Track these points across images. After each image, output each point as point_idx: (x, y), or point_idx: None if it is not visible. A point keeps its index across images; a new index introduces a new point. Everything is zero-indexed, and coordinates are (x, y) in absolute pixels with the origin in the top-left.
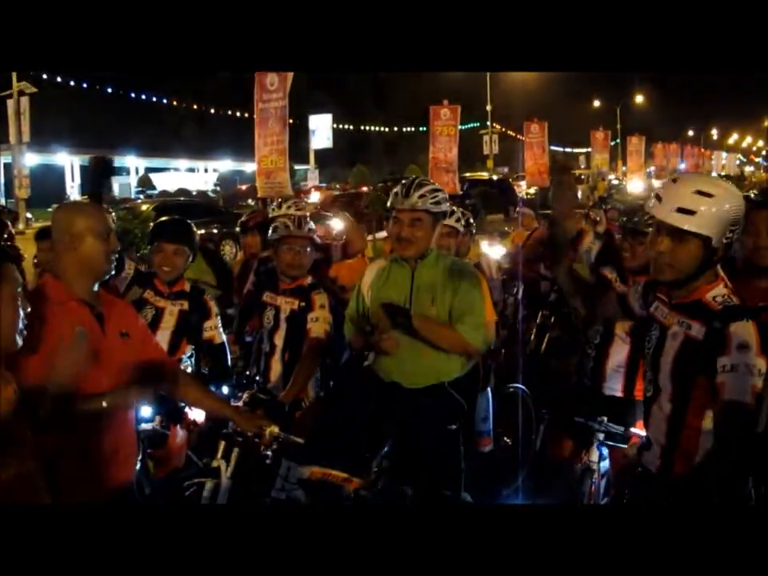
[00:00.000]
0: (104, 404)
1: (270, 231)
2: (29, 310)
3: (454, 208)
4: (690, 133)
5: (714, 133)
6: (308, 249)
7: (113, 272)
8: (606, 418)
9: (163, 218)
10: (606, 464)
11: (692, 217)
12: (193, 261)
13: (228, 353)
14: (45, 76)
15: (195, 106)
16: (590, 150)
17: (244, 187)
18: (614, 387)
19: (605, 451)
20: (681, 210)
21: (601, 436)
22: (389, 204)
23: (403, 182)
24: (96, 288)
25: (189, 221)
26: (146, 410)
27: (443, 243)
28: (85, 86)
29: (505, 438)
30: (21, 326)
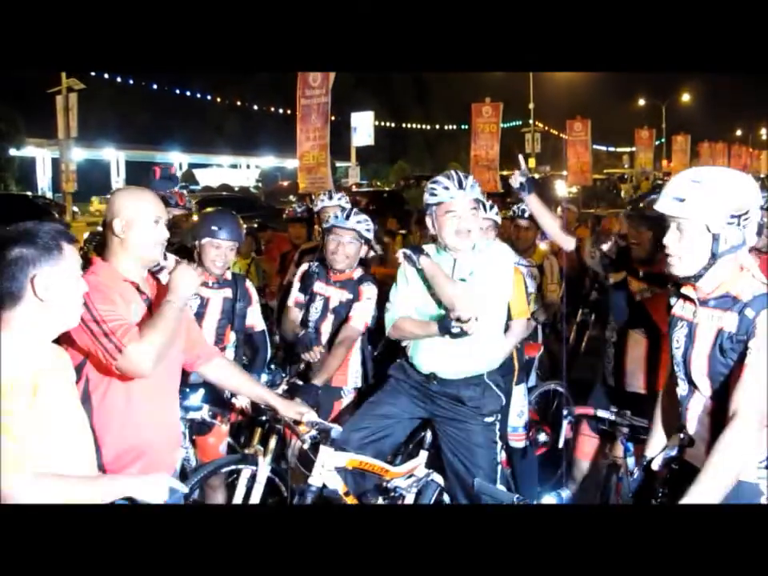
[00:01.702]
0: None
1: (324, 222)
2: (87, 289)
3: (491, 202)
4: (738, 132)
5: (764, 132)
6: (354, 241)
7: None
8: (629, 412)
9: (212, 210)
10: (632, 460)
11: (683, 204)
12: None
13: (268, 341)
14: (92, 73)
15: (238, 103)
16: (633, 148)
17: (286, 183)
18: (636, 384)
19: (630, 446)
20: (675, 199)
21: (625, 430)
22: (437, 200)
23: (446, 176)
24: (144, 274)
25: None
26: (194, 399)
27: (486, 237)
28: (130, 82)
29: (543, 435)
30: (80, 302)
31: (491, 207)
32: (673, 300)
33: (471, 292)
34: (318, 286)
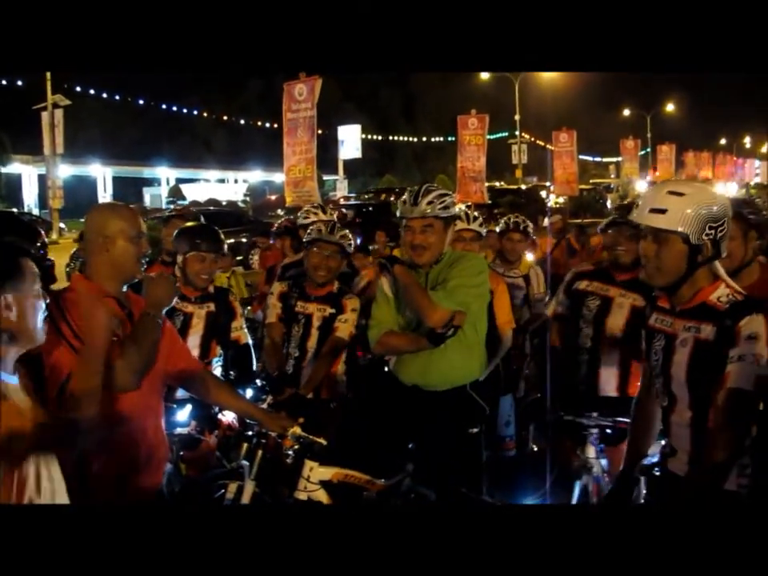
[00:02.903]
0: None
1: (305, 235)
2: (47, 300)
3: (476, 213)
4: (723, 141)
5: (747, 141)
6: (338, 255)
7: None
8: (596, 414)
9: (191, 225)
10: (605, 462)
11: (663, 215)
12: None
13: (253, 354)
14: (78, 88)
15: (225, 117)
16: (620, 158)
17: (273, 197)
18: (609, 388)
19: (602, 447)
20: (653, 210)
21: (594, 431)
22: (398, 213)
23: (409, 190)
24: (125, 289)
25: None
26: (182, 415)
27: (470, 248)
28: (117, 98)
29: (532, 445)
30: (41, 317)
31: (474, 219)
32: (648, 312)
33: (442, 301)
34: (299, 306)
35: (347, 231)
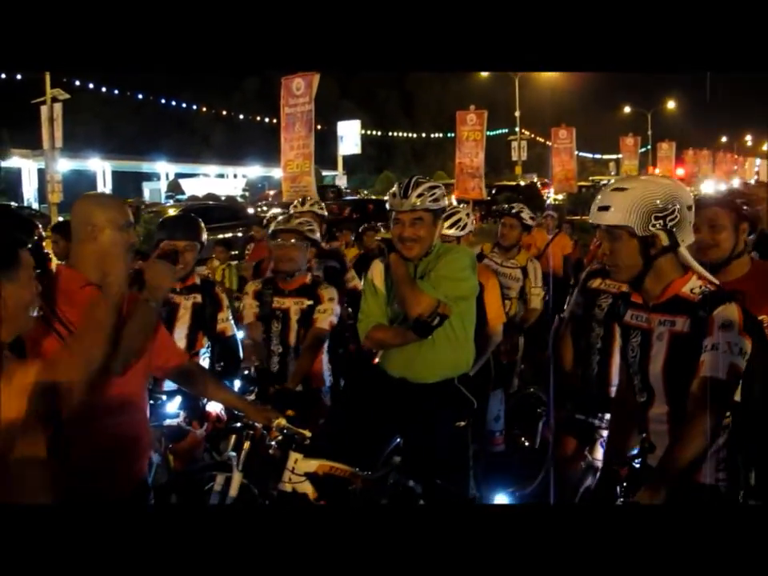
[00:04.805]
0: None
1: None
2: (40, 289)
3: (467, 213)
4: (724, 139)
5: (749, 139)
6: (301, 243)
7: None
8: (607, 415)
9: (168, 215)
10: None
11: (607, 212)
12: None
13: (240, 345)
14: (77, 83)
15: (224, 112)
16: (619, 156)
17: (272, 192)
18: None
19: None
20: (601, 209)
21: (604, 433)
22: (387, 206)
23: (399, 183)
24: None
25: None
26: (171, 407)
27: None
28: (116, 92)
29: (523, 440)
30: (35, 305)
31: (456, 223)
32: (622, 309)
33: (427, 291)
34: (276, 302)
35: (309, 218)
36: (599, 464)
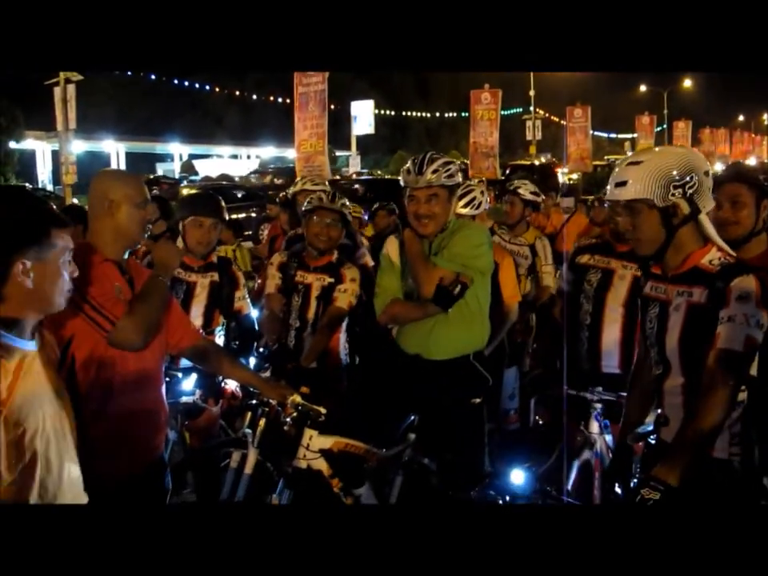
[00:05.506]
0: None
1: (305, 204)
2: (76, 274)
3: (482, 191)
4: (741, 118)
5: (766, 118)
6: (338, 224)
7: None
8: (600, 388)
9: (192, 192)
10: (610, 437)
11: (625, 187)
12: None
13: (255, 324)
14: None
15: (237, 93)
16: (635, 135)
17: (271, 167)
18: (612, 364)
19: (608, 423)
20: (618, 185)
21: (598, 407)
22: (402, 183)
23: (414, 159)
24: (126, 256)
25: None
26: (187, 384)
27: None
28: (129, 74)
29: (535, 417)
30: (68, 287)
31: (470, 201)
32: (643, 281)
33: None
34: (299, 276)
35: (346, 200)
36: (596, 437)
